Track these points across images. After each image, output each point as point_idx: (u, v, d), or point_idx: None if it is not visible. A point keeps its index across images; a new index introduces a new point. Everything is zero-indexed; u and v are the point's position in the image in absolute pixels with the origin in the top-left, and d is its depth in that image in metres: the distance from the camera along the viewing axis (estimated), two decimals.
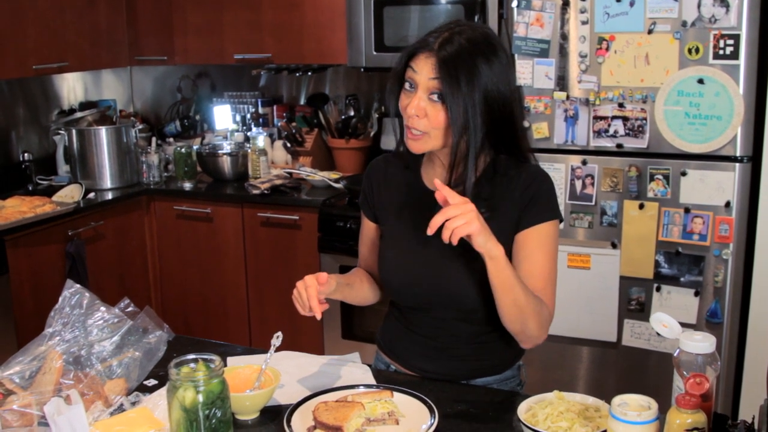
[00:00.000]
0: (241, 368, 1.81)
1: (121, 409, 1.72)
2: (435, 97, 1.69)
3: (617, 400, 1.45)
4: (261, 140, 4.29)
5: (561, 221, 1.89)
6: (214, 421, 1.49)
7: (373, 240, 2.02)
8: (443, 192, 1.61)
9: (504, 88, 1.71)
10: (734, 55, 2.80)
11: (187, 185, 4.21)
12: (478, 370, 1.89)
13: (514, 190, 1.81)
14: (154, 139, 4.36)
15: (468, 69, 1.66)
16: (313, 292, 1.73)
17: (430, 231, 1.60)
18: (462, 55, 1.67)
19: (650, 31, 2.89)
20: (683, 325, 1.56)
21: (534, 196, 1.80)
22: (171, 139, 4.57)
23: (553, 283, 1.83)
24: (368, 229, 2.02)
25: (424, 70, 1.70)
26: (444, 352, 1.89)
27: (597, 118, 3.04)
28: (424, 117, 1.71)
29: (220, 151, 4.24)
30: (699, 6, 2.80)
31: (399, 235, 1.89)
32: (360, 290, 1.98)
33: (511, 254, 1.82)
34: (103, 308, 1.82)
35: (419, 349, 1.92)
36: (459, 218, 1.58)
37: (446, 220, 1.59)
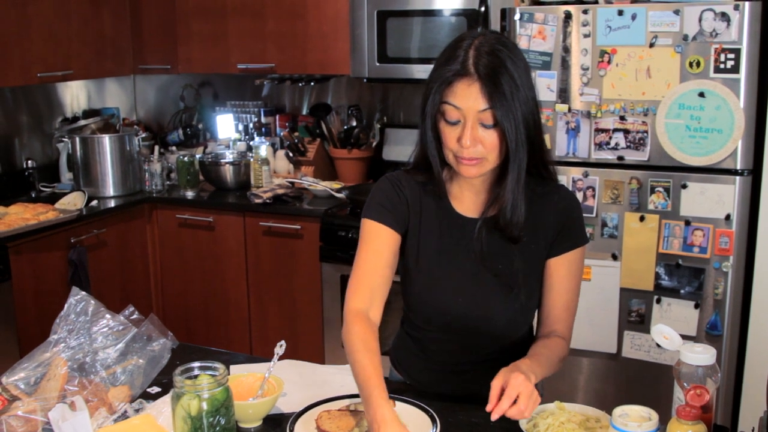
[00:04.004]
0: (244, 376, 1.82)
1: (124, 416, 1.72)
2: (488, 123, 1.63)
3: (618, 410, 1.46)
4: (263, 149, 4.31)
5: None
6: (217, 428, 1.50)
7: (394, 252, 1.80)
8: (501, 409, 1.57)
9: (530, 93, 1.67)
10: (735, 68, 2.81)
11: (190, 194, 4.22)
12: None
13: (549, 213, 1.79)
14: (156, 148, 4.38)
15: (509, 81, 1.61)
16: None
17: (495, 416, 1.57)
18: (501, 70, 1.61)
19: (652, 45, 2.91)
20: (683, 337, 1.58)
21: (568, 223, 1.80)
22: (174, 148, 4.59)
23: (574, 310, 1.85)
24: (389, 240, 1.79)
25: (470, 100, 1.62)
26: (463, 376, 1.87)
27: (598, 130, 3.05)
28: (478, 144, 1.65)
29: (222, 160, 4.26)
30: (700, 20, 2.82)
31: (433, 260, 1.81)
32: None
33: (534, 272, 1.82)
34: (108, 316, 1.83)
35: (437, 374, 1.89)
36: (527, 412, 1.56)
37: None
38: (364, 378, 1.60)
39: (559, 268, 1.81)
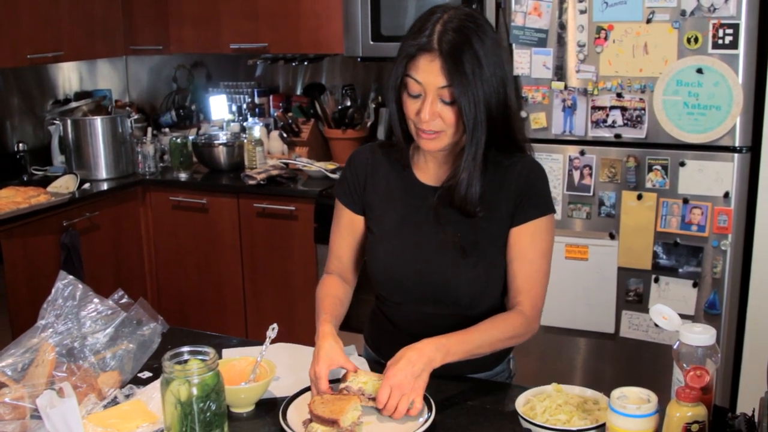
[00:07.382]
0: (236, 360, 1.80)
1: (114, 402, 1.70)
2: (447, 99, 1.65)
3: (617, 392, 1.44)
4: (257, 130, 4.27)
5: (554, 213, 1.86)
6: (208, 414, 1.48)
7: (355, 234, 1.93)
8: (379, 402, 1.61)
9: (498, 72, 1.67)
10: (733, 44, 2.77)
11: (183, 176, 4.19)
12: (469, 366, 1.83)
13: (509, 182, 1.78)
14: (149, 130, 4.34)
15: (471, 59, 1.62)
16: (324, 386, 1.65)
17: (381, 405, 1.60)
18: (464, 48, 1.62)
19: (649, 21, 2.87)
20: (681, 316, 1.55)
21: (529, 191, 1.79)
22: (167, 130, 4.55)
23: (541, 282, 1.82)
24: (350, 222, 1.92)
25: (431, 75, 1.64)
26: None
27: (595, 108, 3.02)
28: (437, 119, 1.68)
29: (215, 142, 4.22)
30: None
31: (392, 228, 1.85)
32: (344, 311, 1.89)
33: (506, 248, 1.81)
34: (96, 300, 1.80)
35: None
36: (404, 402, 1.58)
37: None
38: (318, 311, 1.81)
39: (522, 237, 1.79)
